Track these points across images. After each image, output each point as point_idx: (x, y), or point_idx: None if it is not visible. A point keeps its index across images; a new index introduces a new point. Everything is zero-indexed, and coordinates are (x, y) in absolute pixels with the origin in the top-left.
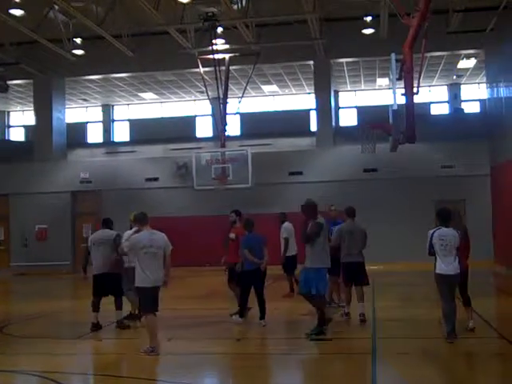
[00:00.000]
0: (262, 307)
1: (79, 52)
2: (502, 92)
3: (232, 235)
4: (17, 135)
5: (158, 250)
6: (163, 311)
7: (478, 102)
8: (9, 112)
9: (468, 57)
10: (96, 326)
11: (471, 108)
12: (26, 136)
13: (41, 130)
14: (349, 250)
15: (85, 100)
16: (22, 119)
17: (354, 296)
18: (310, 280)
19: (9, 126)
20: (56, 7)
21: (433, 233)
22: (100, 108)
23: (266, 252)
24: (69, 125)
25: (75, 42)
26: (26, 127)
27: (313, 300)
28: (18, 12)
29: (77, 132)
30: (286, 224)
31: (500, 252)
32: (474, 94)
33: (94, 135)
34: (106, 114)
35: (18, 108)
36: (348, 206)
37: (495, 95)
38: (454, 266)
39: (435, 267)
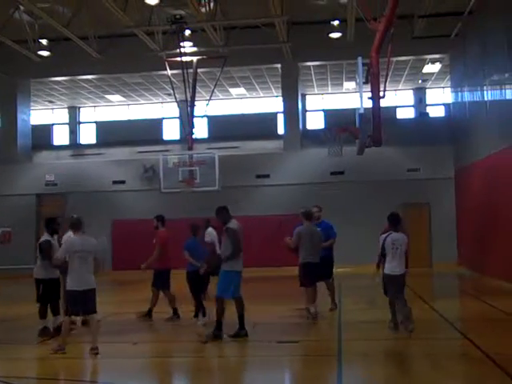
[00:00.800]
0: (199, 307)
1: (45, 53)
2: (466, 96)
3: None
4: None
5: (88, 255)
6: (130, 314)
7: (442, 107)
8: None
9: (433, 61)
10: (56, 331)
11: (436, 112)
12: None
13: (5, 131)
14: (309, 252)
15: (50, 102)
16: None
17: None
18: (228, 283)
19: None
20: (21, 8)
21: (386, 237)
22: (66, 110)
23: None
24: (34, 126)
25: (41, 43)
26: None
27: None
28: None
29: (42, 134)
30: (210, 229)
31: (463, 254)
32: (439, 99)
33: (60, 137)
34: (72, 116)
35: None
36: (305, 209)
37: (459, 100)
38: (402, 267)
39: (384, 268)
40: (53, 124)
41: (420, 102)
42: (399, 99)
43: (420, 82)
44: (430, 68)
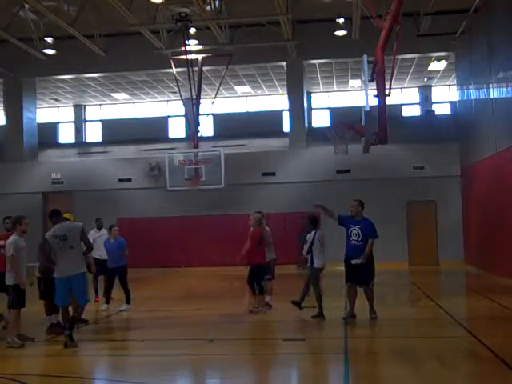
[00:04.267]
0: (126, 295)
1: (50, 51)
2: (472, 94)
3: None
4: None
5: None
6: (138, 312)
7: (448, 104)
8: None
9: (439, 59)
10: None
11: (442, 110)
12: None
13: (11, 130)
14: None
15: (56, 100)
16: None
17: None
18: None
19: None
20: (26, 6)
21: (314, 235)
22: (72, 108)
23: (126, 254)
24: (40, 125)
25: (46, 41)
26: None
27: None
28: None
29: (48, 132)
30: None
31: (469, 252)
32: (445, 96)
33: (66, 135)
34: (78, 114)
35: None
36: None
37: (465, 97)
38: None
39: (313, 263)
40: (58, 122)
41: (426, 99)
42: (405, 97)
43: (426, 79)
44: (435, 66)
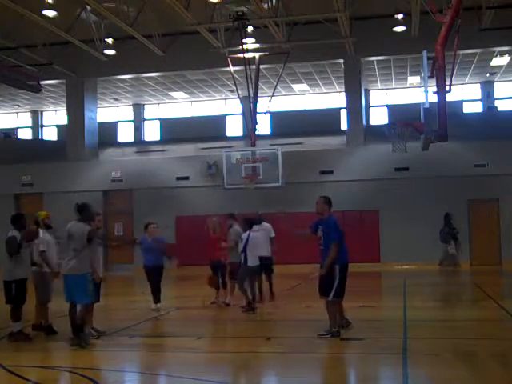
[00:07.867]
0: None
1: (111, 52)
2: None
3: None
4: (50, 135)
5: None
6: (195, 309)
7: None
8: (42, 112)
9: (502, 54)
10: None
11: (505, 106)
12: (59, 135)
13: (73, 129)
14: None
15: (116, 99)
16: (54, 119)
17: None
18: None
19: (42, 126)
20: (88, 8)
21: (249, 235)
22: (131, 107)
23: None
24: (100, 124)
25: (107, 42)
26: (59, 127)
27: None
28: (50, 13)
29: (108, 131)
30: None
31: None
32: (509, 92)
33: (125, 134)
34: (137, 113)
35: (51, 108)
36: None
37: None
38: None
39: (246, 261)
40: (118, 121)
41: (488, 95)
42: (466, 93)
43: (488, 75)
44: (498, 61)
